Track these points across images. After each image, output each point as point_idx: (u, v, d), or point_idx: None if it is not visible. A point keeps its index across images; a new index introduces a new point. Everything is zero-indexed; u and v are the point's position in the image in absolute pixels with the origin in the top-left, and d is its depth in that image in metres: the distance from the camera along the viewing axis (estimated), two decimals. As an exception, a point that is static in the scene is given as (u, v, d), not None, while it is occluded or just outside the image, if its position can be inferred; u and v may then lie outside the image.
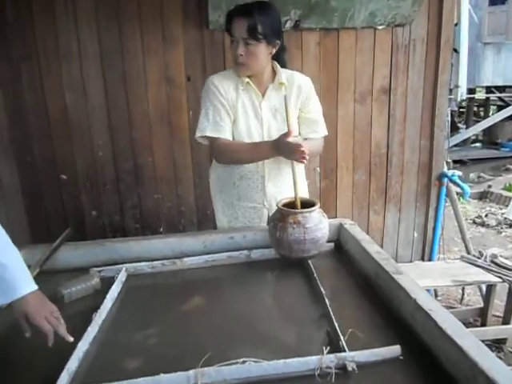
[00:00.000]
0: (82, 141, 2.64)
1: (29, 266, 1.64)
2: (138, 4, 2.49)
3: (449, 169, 3.09)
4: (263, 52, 1.69)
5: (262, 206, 1.90)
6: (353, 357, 1.00)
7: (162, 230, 2.82)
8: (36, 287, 1.17)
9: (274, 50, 1.74)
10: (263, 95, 1.80)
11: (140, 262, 1.64)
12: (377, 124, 2.90)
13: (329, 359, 0.99)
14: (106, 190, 2.72)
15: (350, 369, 0.98)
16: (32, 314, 1.11)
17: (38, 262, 1.62)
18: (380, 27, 2.73)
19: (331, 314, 1.19)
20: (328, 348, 1.03)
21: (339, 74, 2.78)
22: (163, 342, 1.18)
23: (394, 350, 1.03)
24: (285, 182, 1.84)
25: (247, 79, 1.77)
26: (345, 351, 1.03)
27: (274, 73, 1.81)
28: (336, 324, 1.13)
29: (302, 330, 1.22)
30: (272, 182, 1.88)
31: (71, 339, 1.13)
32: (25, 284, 1.14)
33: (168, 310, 1.35)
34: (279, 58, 1.83)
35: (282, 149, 1.61)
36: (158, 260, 1.65)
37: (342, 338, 1.07)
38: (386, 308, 1.27)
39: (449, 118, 3.34)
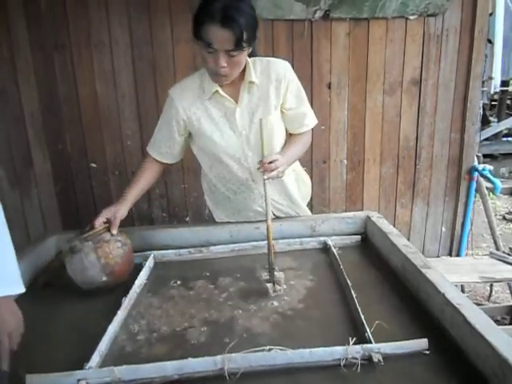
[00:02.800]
0: (111, 130, 2.69)
1: (60, 252, 1.71)
2: (167, -7, 2.50)
3: (479, 163, 3.02)
4: (245, 57, 1.44)
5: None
6: (379, 348, 0.99)
7: (188, 219, 2.85)
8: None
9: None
10: (237, 100, 1.56)
11: (167, 249, 1.68)
12: (406, 116, 2.86)
13: (355, 350, 0.99)
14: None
15: (375, 360, 0.98)
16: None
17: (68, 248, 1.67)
18: (412, 17, 2.68)
19: (357, 305, 1.19)
20: (354, 339, 1.03)
21: (368, 65, 2.74)
22: (190, 328, 1.20)
23: (421, 343, 1.02)
24: (283, 189, 1.77)
25: (215, 88, 1.52)
26: (371, 342, 1.02)
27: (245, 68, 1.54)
28: (362, 316, 1.13)
29: (327, 320, 1.22)
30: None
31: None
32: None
33: (195, 296, 1.37)
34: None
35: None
36: (184, 248, 1.68)
37: (367, 329, 1.07)
38: (414, 302, 1.26)
39: (480, 111, 3.26)
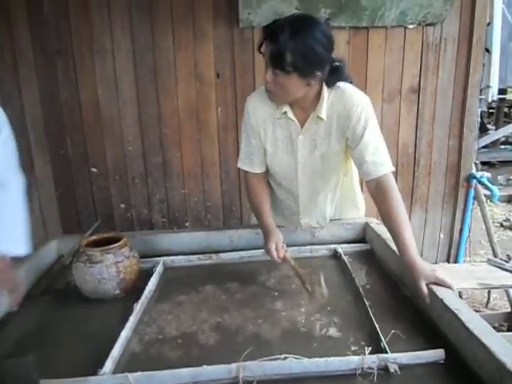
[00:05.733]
0: (112, 135, 2.71)
1: (61, 256, 1.73)
2: (170, 0, 2.53)
3: (477, 170, 3.04)
4: (295, 84, 1.36)
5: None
6: (395, 358, 0.99)
7: (188, 224, 2.86)
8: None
9: (315, 82, 1.38)
10: (302, 126, 1.52)
11: (168, 255, 1.68)
12: (405, 124, 2.88)
13: (371, 360, 0.99)
14: (135, 183, 2.79)
15: (392, 370, 0.98)
16: None
17: (70, 251, 1.68)
18: (411, 26, 2.71)
19: (371, 314, 1.20)
20: (370, 348, 1.03)
21: (368, 73, 2.77)
22: (201, 333, 1.20)
23: (438, 353, 1.02)
24: (321, 214, 1.77)
25: (285, 108, 1.48)
26: (386, 352, 1.03)
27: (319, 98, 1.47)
28: (377, 325, 1.13)
29: (339, 327, 1.21)
30: (307, 215, 1.75)
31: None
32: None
33: (204, 302, 1.38)
34: (335, 74, 1.44)
35: (265, 249, 1.48)
36: (185, 254, 1.69)
37: (383, 338, 1.07)
38: (413, 307, 1.27)
39: (478, 119, 3.29)
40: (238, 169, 1.70)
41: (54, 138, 2.68)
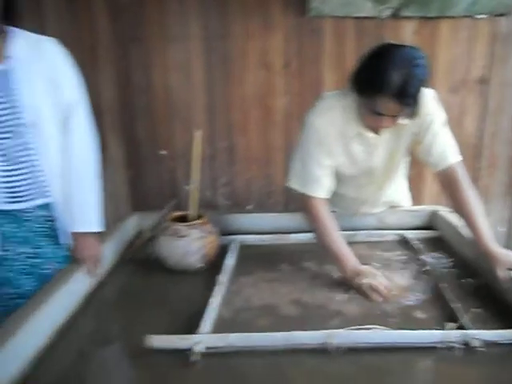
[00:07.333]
0: (181, 119, 2.81)
1: (140, 232, 1.85)
2: (242, -12, 2.59)
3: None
4: None
5: None
6: (478, 335, 1.04)
7: (251, 207, 2.94)
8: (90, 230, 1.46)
9: None
10: (381, 135, 1.47)
11: (240, 234, 1.79)
12: (470, 115, 2.84)
13: (453, 335, 1.04)
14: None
15: (475, 344, 1.02)
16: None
17: (150, 226, 1.80)
18: (479, 16, 2.67)
19: (448, 294, 1.25)
20: (457, 324, 1.09)
21: (434, 64, 2.73)
22: (286, 307, 1.28)
23: None
24: (381, 203, 1.81)
25: (358, 129, 1.45)
26: (469, 329, 1.07)
27: None
28: (456, 305, 1.19)
29: (420, 307, 1.25)
30: (368, 206, 1.78)
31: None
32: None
33: (283, 279, 1.45)
34: None
35: (354, 285, 1.36)
36: (253, 234, 1.80)
37: (464, 316, 1.13)
38: (490, 291, 1.31)
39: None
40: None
41: (127, 120, 2.80)
